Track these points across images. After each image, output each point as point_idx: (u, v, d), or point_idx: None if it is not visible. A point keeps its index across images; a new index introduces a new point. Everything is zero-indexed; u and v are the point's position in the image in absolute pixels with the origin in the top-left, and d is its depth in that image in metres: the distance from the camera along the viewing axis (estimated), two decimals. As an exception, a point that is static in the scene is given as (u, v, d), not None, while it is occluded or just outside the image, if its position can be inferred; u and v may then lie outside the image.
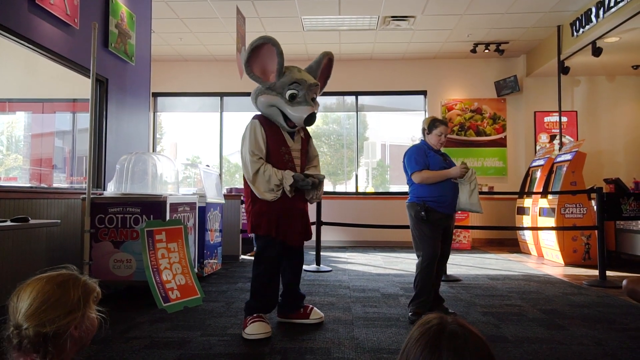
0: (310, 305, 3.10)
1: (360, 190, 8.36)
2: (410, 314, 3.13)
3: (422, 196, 3.23)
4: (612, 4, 5.31)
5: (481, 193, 5.93)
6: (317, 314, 3.05)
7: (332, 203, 7.38)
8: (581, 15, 6.01)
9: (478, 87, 8.09)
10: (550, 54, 6.98)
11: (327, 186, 9.53)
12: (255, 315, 2.80)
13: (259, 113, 2.98)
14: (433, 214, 3.17)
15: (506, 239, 7.65)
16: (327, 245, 7.29)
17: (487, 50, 7.52)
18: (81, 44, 4.11)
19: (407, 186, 3.39)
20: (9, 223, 2.47)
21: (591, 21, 5.77)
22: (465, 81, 8.15)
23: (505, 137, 8.01)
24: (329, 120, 9.62)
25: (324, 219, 5.52)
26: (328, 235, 7.28)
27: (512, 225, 7.18)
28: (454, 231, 7.09)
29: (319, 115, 9.32)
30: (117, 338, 2.73)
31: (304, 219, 2.97)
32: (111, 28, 4.60)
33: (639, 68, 7.35)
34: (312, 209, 5.52)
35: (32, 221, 2.60)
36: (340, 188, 9.32)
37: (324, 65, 3.09)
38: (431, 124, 3.32)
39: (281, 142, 2.88)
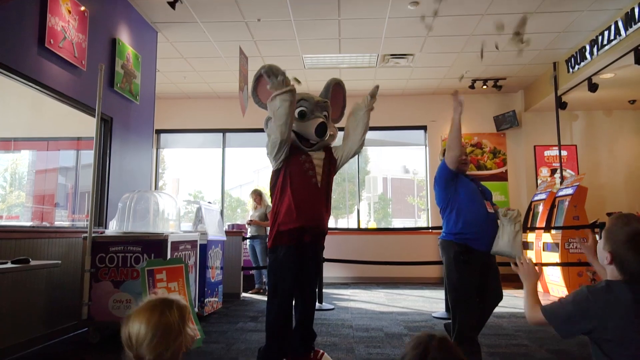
0: (321, 351, 2.93)
1: (363, 224, 8.33)
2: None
3: (456, 232, 2.78)
4: (605, 42, 5.44)
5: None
6: None
7: (335, 239, 7.33)
8: (576, 53, 6.15)
9: (477, 122, 8.18)
10: (548, 89, 7.09)
11: (330, 221, 9.49)
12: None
13: None
14: (474, 255, 2.73)
15: (510, 275, 7.51)
16: (330, 281, 7.20)
17: (485, 87, 7.66)
18: (87, 85, 4.20)
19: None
20: (9, 265, 2.45)
21: (586, 58, 5.90)
22: (465, 116, 8.12)
23: (506, 171, 8.03)
24: (330, 154, 9.70)
25: (326, 255, 5.46)
26: (330, 271, 7.19)
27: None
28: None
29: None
30: (114, 383, 2.65)
31: (319, 230, 2.83)
32: (117, 69, 4.71)
33: (636, 102, 7.45)
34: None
35: (32, 262, 2.58)
36: (342, 222, 9.30)
37: (334, 92, 3.06)
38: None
39: (301, 151, 2.79)
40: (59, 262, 2.90)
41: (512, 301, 5.58)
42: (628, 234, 1.43)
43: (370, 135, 9.13)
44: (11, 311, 3.22)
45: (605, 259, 1.50)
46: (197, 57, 6.61)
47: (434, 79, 7.56)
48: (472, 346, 2.68)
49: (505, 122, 7.97)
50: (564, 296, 1.52)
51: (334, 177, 2.99)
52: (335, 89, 3.08)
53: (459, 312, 2.74)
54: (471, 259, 2.72)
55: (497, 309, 2.89)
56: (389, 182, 12.20)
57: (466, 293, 2.73)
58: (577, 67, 6.15)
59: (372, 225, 8.85)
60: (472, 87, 7.68)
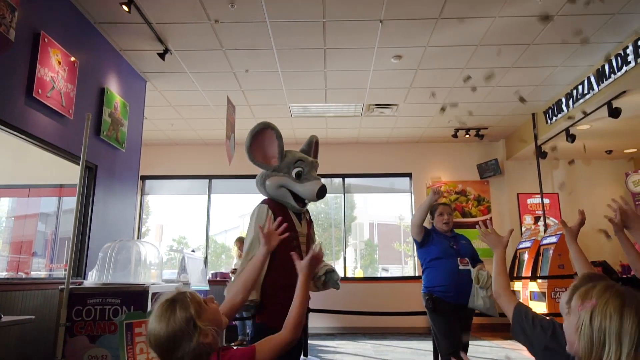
0: None
1: (349, 272, 8.22)
2: None
3: (428, 285, 3.21)
4: (579, 96, 5.68)
5: (470, 276, 5.90)
6: None
7: (320, 286, 7.20)
8: (553, 105, 6.39)
9: (461, 170, 8.32)
10: (528, 139, 7.30)
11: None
12: None
13: (266, 198, 2.91)
14: (442, 305, 3.09)
15: (498, 324, 7.43)
16: (315, 332, 7.00)
17: (467, 135, 7.86)
18: (73, 133, 4.20)
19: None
20: (-21, 322, 2.34)
21: (562, 110, 6.13)
22: (449, 164, 8.40)
23: (491, 218, 8.10)
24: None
25: (311, 305, 5.34)
26: (316, 321, 7.02)
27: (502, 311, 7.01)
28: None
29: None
30: None
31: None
32: (104, 117, 4.74)
33: (612, 153, 7.70)
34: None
35: (4, 318, 2.47)
36: (328, 269, 9.17)
37: (314, 148, 3.16)
38: (432, 209, 3.35)
39: (291, 227, 2.75)
40: (33, 317, 2.78)
41: (501, 352, 5.47)
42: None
43: (356, 181, 9.20)
44: (-22, 370, 3.05)
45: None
46: (185, 105, 6.70)
47: (418, 127, 7.74)
48: None
49: (488, 170, 8.12)
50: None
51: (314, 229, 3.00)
52: (315, 145, 3.19)
53: (440, 355, 3.13)
54: (440, 309, 3.11)
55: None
56: (375, 227, 12.17)
57: (441, 340, 3.11)
58: (554, 118, 6.37)
59: (359, 273, 8.74)
60: (455, 135, 7.87)
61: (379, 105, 6.81)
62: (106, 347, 3.46)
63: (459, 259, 3.19)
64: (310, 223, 3.00)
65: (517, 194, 7.99)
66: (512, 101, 6.56)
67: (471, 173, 8.28)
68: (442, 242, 3.23)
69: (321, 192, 2.77)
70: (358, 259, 9.90)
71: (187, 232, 9.20)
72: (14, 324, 2.85)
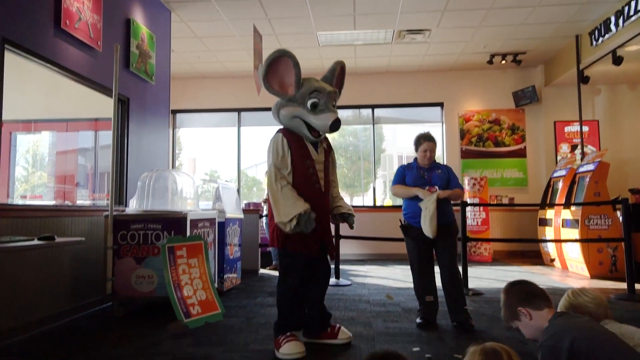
0: (338, 325, 3.00)
1: (378, 202, 8.32)
2: (417, 321, 3.38)
3: (403, 212, 3.56)
4: (631, 12, 5.24)
5: (501, 205, 5.88)
6: (344, 334, 2.95)
7: (350, 216, 7.36)
8: (600, 25, 5.94)
9: (496, 98, 8.03)
10: (569, 63, 6.90)
11: (345, 199, 9.51)
12: (288, 334, 2.73)
13: (282, 127, 2.97)
14: (411, 229, 3.44)
15: (528, 251, 7.50)
16: (346, 258, 7.26)
17: (503, 61, 7.48)
18: (103, 65, 4.23)
19: None
20: (36, 242, 2.53)
21: (610, 30, 5.70)
22: (483, 92, 8.10)
23: (525, 147, 7.90)
24: (345, 133, 9.65)
25: (342, 232, 5.50)
26: (346, 248, 7.25)
27: (534, 238, 7.04)
28: (475, 243, 6.91)
29: (335, 129, 9.44)
30: (140, 355, 2.75)
31: (325, 233, 2.92)
32: (132, 49, 4.72)
33: (662, 75, 7.20)
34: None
35: (57, 239, 2.66)
36: (357, 200, 9.30)
37: (338, 74, 3.09)
38: (416, 142, 3.55)
39: (306, 155, 2.84)
40: (83, 238, 2.98)
41: (528, 277, 5.55)
42: None
43: (385, 112, 9.06)
44: (39, 286, 3.34)
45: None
46: (211, 37, 6.58)
47: (451, 54, 7.40)
48: (423, 304, 3.40)
49: (525, 97, 7.80)
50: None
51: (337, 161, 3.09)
52: (340, 72, 3.11)
53: (412, 274, 3.52)
54: (409, 233, 3.46)
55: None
56: (404, 160, 12.11)
57: (412, 260, 3.50)
58: (601, 39, 5.95)
59: (388, 202, 8.84)
60: (490, 62, 7.51)
61: (410, 31, 6.50)
62: (151, 268, 3.71)
63: (427, 187, 3.41)
64: (328, 151, 3.02)
65: (554, 122, 7.70)
66: (554, 22, 6.13)
67: (506, 101, 7.98)
68: (415, 173, 3.49)
69: (335, 125, 2.77)
70: (387, 191, 9.97)
71: (219, 166, 9.42)
72: (67, 244, 3.06)
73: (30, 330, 3.25)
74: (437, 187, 3.42)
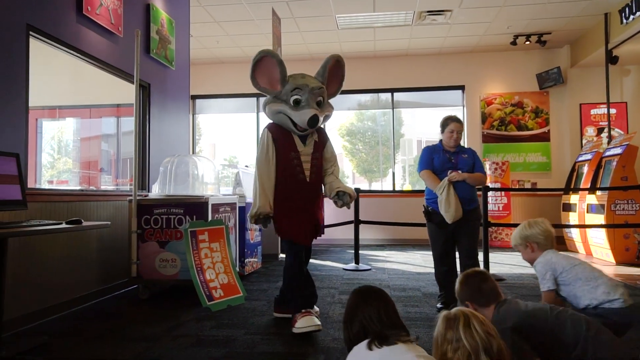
0: (313, 310, 3.07)
1: (397, 187, 8.27)
2: (437, 306, 3.43)
3: (426, 197, 3.50)
4: (665, -12, 5.01)
5: (524, 190, 5.78)
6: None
7: (370, 201, 7.34)
8: (631, 1, 5.70)
9: (519, 80, 7.83)
10: (597, 43, 6.66)
11: (363, 184, 9.48)
12: (303, 311, 2.86)
13: (270, 122, 3.13)
14: (434, 215, 3.39)
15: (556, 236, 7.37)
16: (365, 243, 7.27)
17: (527, 42, 7.27)
18: (124, 51, 4.26)
19: None
20: (64, 225, 2.59)
21: (642, 7, 5.47)
22: (505, 74, 7.91)
23: (549, 131, 7.72)
24: (364, 117, 9.57)
25: (361, 217, 5.50)
26: (366, 233, 7.25)
27: (557, 223, 6.91)
28: (496, 229, 6.82)
29: (353, 113, 9.37)
30: (164, 336, 2.82)
31: (313, 221, 3.05)
32: (152, 35, 4.74)
33: (695, 54, 6.91)
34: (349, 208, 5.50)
35: (84, 223, 2.72)
36: (376, 185, 9.27)
37: (332, 67, 3.15)
38: (443, 123, 3.47)
39: (291, 147, 3.01)
40: (109, 222, 3.04)
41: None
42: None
43: (404, 96, 8.93)
44: (67, 268, 3.44)
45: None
46: (230, 21, 6.55)
47: (473, 35, 7.22)
48: (444, 290, 3.40)
49: (549, 79, 7.58)
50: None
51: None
52: (334, 66, 3.18)
53: (433, 260, 3.48)
54: (433, 219, 3.40)
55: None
56: (423, 144, 11.98)
57: (433, 245, 3.47)
58: (632, 17, 5.72)
59: (407, 187, 8.78)
60: (513, 43, 7.31)
61: (431, 12, 6.35)
62: (174, 251, 3.77)
63: (451, 172, 3.34)
64: (320, 143, 3.12)
65: (580, 105, 7.48)
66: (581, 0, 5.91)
67: (529, 84, 7.78)
68: (442, 156, 3.41)
69: (311, 121, 2.92)
70: (406, 176, 9.89)
71: (238, 152, 9.48)
72: (94, 228, 3.13)
73: (62, 310, 3.36)
74: (460, 172, 3.37)
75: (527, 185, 7.61)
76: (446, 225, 3.31)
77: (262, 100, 8.56)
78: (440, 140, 3.51)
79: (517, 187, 7.56)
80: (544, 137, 7.72)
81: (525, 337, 1.87)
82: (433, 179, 3.37)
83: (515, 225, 7.10)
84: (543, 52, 7.71)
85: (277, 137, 3.00)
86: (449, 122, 3.41)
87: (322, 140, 3.15)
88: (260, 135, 3.10)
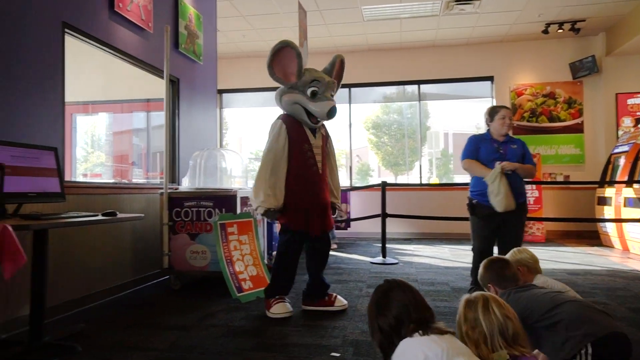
0: (334, 294, 3.25)
1: (424, 180, 8.18)
2: None
3: (471, 190, 3.38)
4: None
5: (556, 183, 5.61)
6: (340, 302, 3.20)
7: (396, 194, 7.29)
8: (672, -15, 5.45)
9: (551, 70, 7.60)
10: (634, 29, 6.40)
11: (389, 177, 9.41)
12: (277, 297, 3.08)
13: (283, 112, 3.19)
14: (480, 208, 3.27)
15: (584, 231, 7.17)
16: (392, 237, 7.22)
17: (560, 30, 7.04)
18: (154, 47, 4.33)
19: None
20: (100, 217, 2.67)
21: (684, -9, 5.22)
22: (536, 64, 7.69)
23: (582, 122, 7.47)
24: (389, 110, 9.47)
25: (388, 210, 5.46)
26: (393, 227, 7.20)
27: (592, 217, 6.71)
28: (527, 223, 6.67)
29: (378, 106, 9.29)
30: (196, 325, 2.87)
31: (324, 213, 3.13)
32: (181, 30, 4.80)
33: None
34: (376, 201, 5.49)
35: (119, 215, 2.79)
36: (401, 179, 9.18)
37: (337, 67, 3.28)
38: (492, 111, 3.37)
39: (304, 139, 3.07)
40: (142, 215, 3.12)
41: (585, 258, 5.33)
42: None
43: (431, 88, 8.79)
44: (103, 258, 3.55)
45: None
46: (256, 15, 6.58)
47: (502, 24, 7.04)
48: (477, 284, 3.20)
49: (583, 68, 7.33)
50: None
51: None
52: (340, 66, 3.31)
53: (473, 255, 3.36)
54: (477, 212, 3.29)
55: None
56: (450, 137, 11.79)
57: (475, 239, 3.35)
58: (672, 1, 5.46)
59: (435, 180, 8.67)
60: (545, 31, 7.09)
61: (459, 2, 6.22)
62: (204, 244, 3.84)
63: (499, 162, 3.21)
64: (325, 137, 3.23)
65: (616, 94, 7.22)
66: (619, -16, 5.67)
67: (562, 73, 7.54)
68: (489, 146, 3.30)
69: (331, 112, 2.98)
70: (433, 170, 9.78)
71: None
72: (128, 220, 3.22)
73: (98, 298, 3.48)
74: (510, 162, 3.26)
75: (560, 178, 7.40)
76: (491, 219, 3.21)
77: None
78: (488, 130, 3.40)
79: (548, 180, 7.36)
80: (577, 129, 7.48)
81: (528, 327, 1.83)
82: (481, 167, 3.25)
83: (548, 219, 6.91)
84: (576, 40, 7.45)
85: (291, 128, 3.05)
86: (498, 109, 3.31)
87: (327, 134, 3.27)
88: (271, 126, 3.13)
